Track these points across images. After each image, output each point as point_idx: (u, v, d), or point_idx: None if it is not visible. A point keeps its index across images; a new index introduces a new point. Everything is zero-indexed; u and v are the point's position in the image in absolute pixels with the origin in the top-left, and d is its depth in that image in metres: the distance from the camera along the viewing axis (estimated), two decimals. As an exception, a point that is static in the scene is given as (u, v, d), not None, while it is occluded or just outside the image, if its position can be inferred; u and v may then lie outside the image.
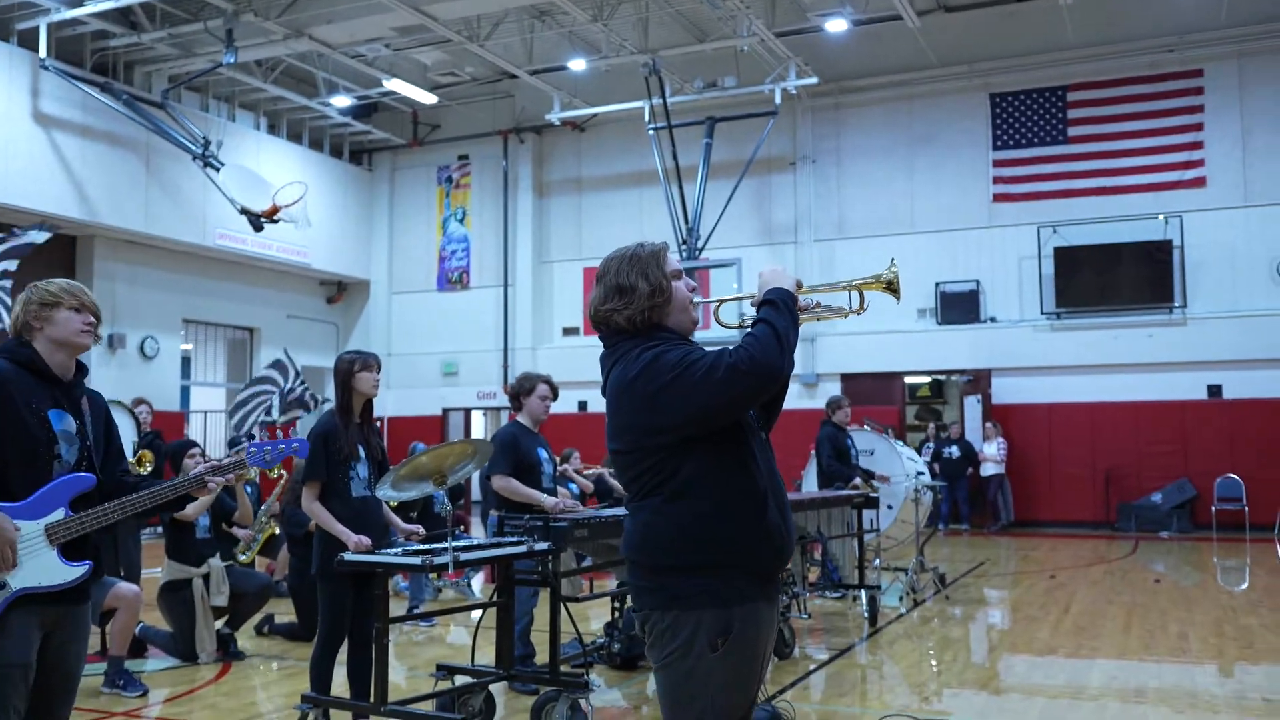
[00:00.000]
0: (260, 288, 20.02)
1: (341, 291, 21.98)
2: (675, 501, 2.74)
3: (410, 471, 4.62)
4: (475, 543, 5.14)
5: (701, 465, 2.74)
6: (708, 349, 2.80)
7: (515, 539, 5.14)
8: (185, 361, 19.72)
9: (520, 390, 6.52)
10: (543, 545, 5.12)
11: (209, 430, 19.64)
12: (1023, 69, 17.84)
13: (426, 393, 21.41)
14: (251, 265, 19.48)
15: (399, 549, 4.87)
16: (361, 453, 5.10)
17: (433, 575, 9.38)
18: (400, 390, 21.70)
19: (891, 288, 3.02)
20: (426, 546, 4.88)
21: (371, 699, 4.77)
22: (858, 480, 9.33)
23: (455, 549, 4.61)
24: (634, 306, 2.84)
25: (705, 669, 2.70)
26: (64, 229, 16.42)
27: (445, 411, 21.35)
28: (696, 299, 2.97)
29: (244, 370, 20.39)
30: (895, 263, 3.16)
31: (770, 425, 3.08)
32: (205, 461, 7.43)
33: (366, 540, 4.87)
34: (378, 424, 5.39)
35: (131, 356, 17.51)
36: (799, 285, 2.90)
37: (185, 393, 20.04)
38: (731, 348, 2.72)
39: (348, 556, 4.72)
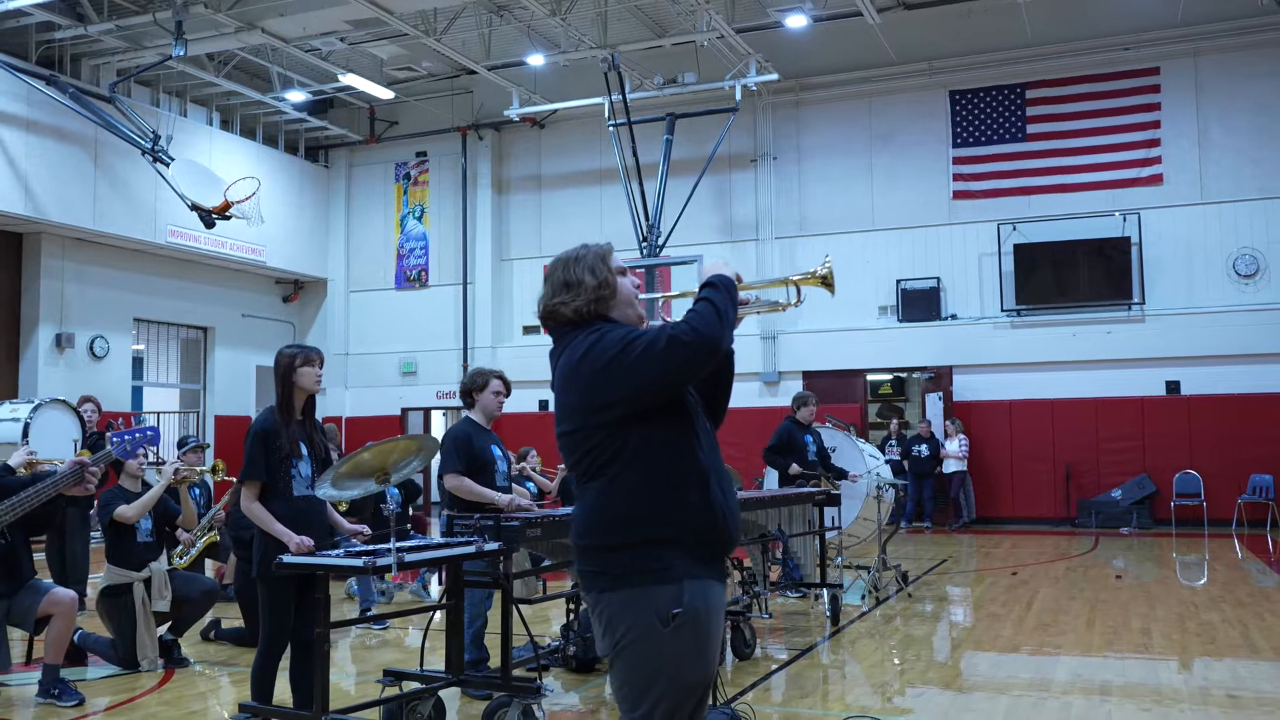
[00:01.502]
0: (214, 286, 19.65)
1: (298, 290, 21.64)
2: (619, 480, 2.76)
3: (352, 469, 4.43)
4: (421, 543, 4.95)
5: (645, 443, 2.76)
6: (649, 328, 2.85)
7: (464, 539, 4.95)
8: (137, 362, 19.31)
9: (472, 386, 6.34)
10: (492, 545, 4.94)
11: (163, 431, 19.23)
12: (982, 66, 17.85)
13: (385, 392, 21.13)
14: (205, 263, 19.11)
15: (341, 550, 4.67)
16: (304, 450, 4.90)
17: (381, 577, 9.14)
18: (358, 390, 21.42)
19: (826, 282, 3.16)
20: (370, 548, 4.69)
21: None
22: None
23: (400, 550, 4.43)
24: (581, 299, 2.91)
25: (659, 647, 2.69)
26: (8, 225, 16.06)
27: (404, 411, 21.09)
28: (641, 295, 3.04)
29: (198, 370, 20.04)
30: (829, 258, 3.30)
31: (717, 419, 3.10)
32: (149, 462, 7.20)
33: (308, 541, 4.68)
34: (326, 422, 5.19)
35: (80, 356, 17.12)
36: (738, 279, 2.98)
37: (137, 393, 19.63)
38: (673, 323, 2.78)
39: (286, 559, 4.52)
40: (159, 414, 19.95)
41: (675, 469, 2.76)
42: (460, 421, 6.43)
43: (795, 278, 3.18)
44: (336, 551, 4.61)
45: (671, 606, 2.69)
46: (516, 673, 5.47)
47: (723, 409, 3.13)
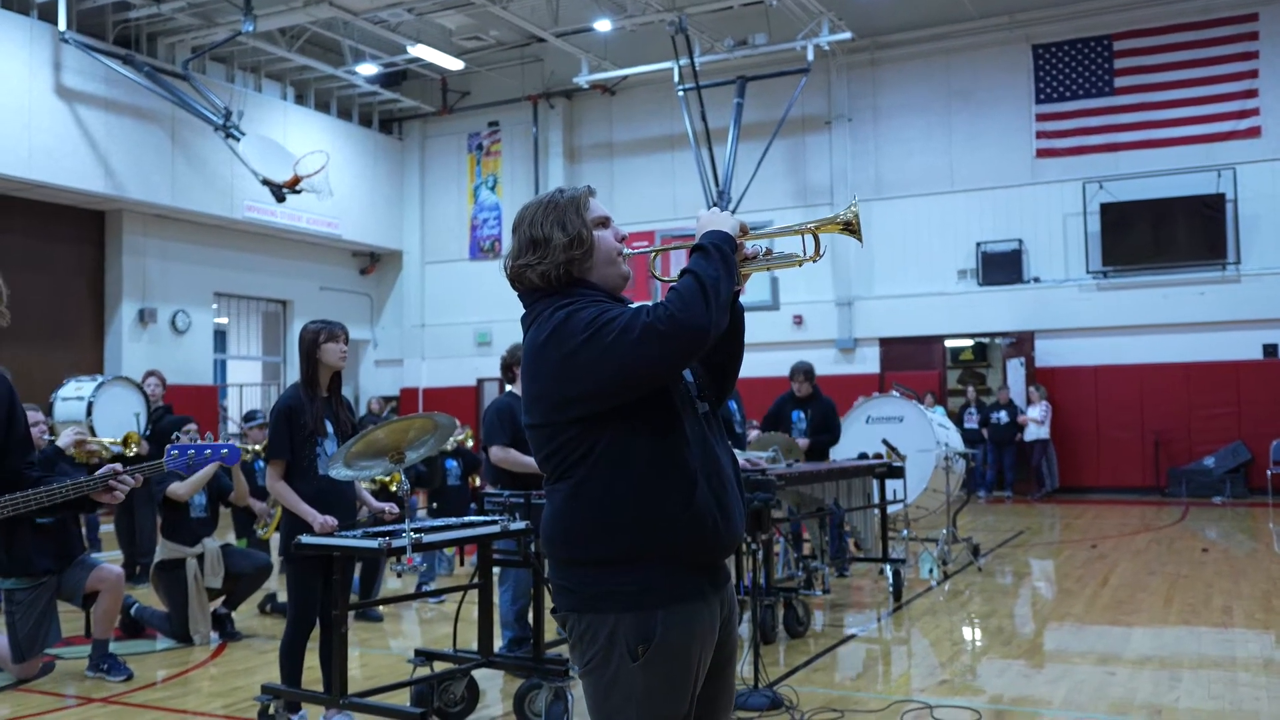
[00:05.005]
0: (293, 260, 19.89)
1: (374, 262, 21.82)
2: (589, 484, 2.40)
3: (365, 448, 4.33)
4: (442, 523, 4.85)
5: (619, 442, 2.39)
6: (630, 305, 2.44)
7: (488, 518, 4.84)
8: (219, 335, 19.68)
9: (513, 360, 6.22)
10: (519, 524, 4.82)
11: (245, 403, 19.62)
12: (1066, 18, 17.14)
13: (460, 363, 21.23)
14: (282, 237, 19.34)
15: (360, 531, 4.59)
16: (329, 428, 4.83)
17: (398, 559, 9.01)
18: (434, 361, 21.57)
19: (850, 228, 2.60)
20: (392, 528, 4.60)
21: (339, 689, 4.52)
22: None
23: (418, 530, 4.33)
24: (549, 260, 2.49)
25: (627, 680, 2.38)
26: (91, 204, 16.41)
27: (480, 382, 21.16)
28: (626, 250, 2.60)
29: (279, 343, 20.35)
30: (856, 200, 2.71)
31: (723, 396, 2.71)
32: (200, 438, 7.22)
33: (332, 521, 4.61)
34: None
35: (163, 331, 17.46)
36: (744, 230, 2.53)
37: (221, 366, 20.03)
38: (652, 303, 2.35)
39: (306, 539, 4.45)
40: (242, 386, 20.34)
41: (653, 473, 2.39)
42: (503, 395, 6.33)
43: (813, 224, 2.62)
44: (355, 532, 4.53)
45: (641, 639, 2.36)
46: (557, 652, 5.38)
47: (731, 382, 2.71)
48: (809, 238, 2.66)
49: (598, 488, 2.40)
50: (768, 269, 2.70)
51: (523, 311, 2.60)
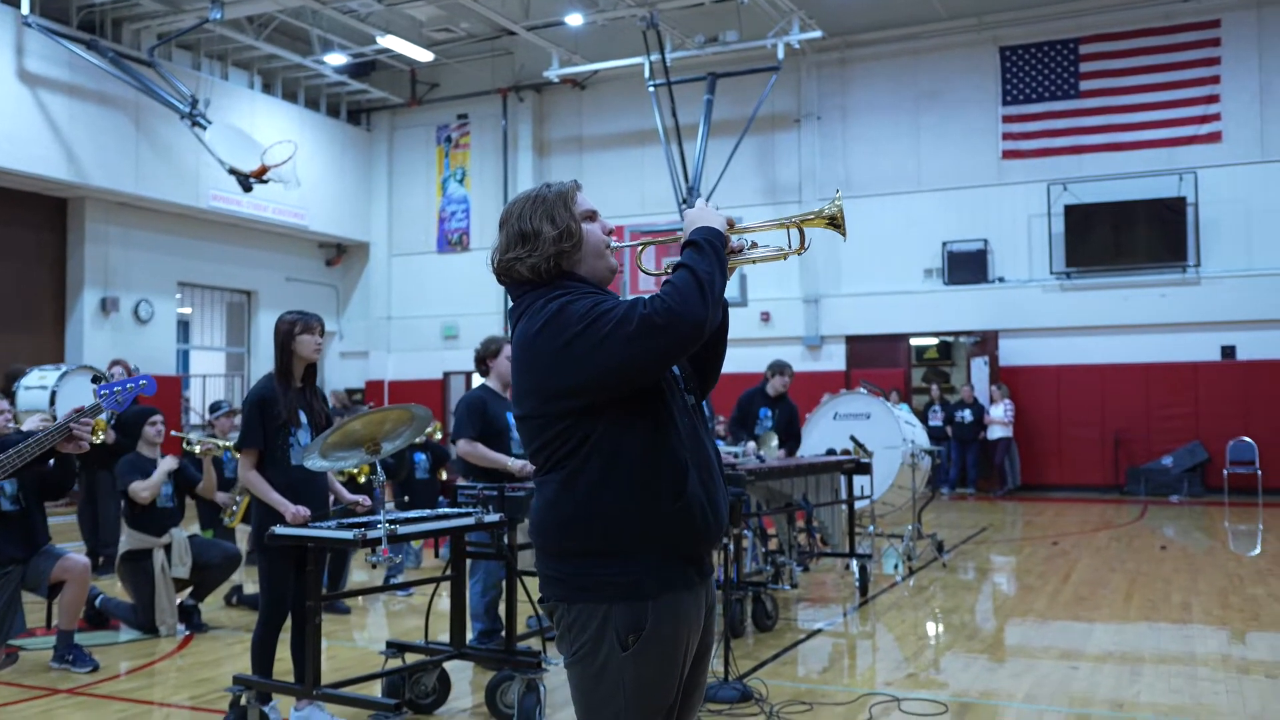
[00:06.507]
0: (258, 250, 19.71)
1: (341, 254, 21.67)
2: (580, 476, 2.42)
3: (341, 438, 4.32)
4: (416, 515, 4.85)
5: (611, 434, 2.41)
6: (624, 298, 2.47)
7: (462, 510, 4.85)
8: (183, 325, 19.48)
9: (486, 353, 6.23)
10: (493, 517, 4.83)
11: (208, 394, 19.44)
12: (1033, 21, 17.31)
13: (427, 356, 21.15)
14: (248, 227, 19.16)
15: (332, 522, 4.58)
16: (303, 419, 4.82)
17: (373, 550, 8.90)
18: (401, 354, 21.47)
19: (835, 223, 2.63)
20: (364, 519, 4.60)
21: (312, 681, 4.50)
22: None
23: (393, 522, 4.33)
24: (538, 254, 2.51)
25: (616, 669, 2.40)
26: (53, 190, 16.19)
27: (446, 375, 21.09)
28: (614, 243, 2.63)
29: (243, 334, 20.18)
30: (840, 195, 2.73)
31: (707, 389, 2.75)
32: (165, 429, 7.16)
33: (305, 511, 4.60)
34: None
35: (126, 320, 17.27)
36: (731, 224, 2.56)
37: (184, 357, 19.84)
38: (647, 296, 2.37)
39: (279, 529, 4.44)
40: (205, 377, 20.16)
41: (644, 465, 2.41)
42: (476, 388, 6.33)
43: (799, 218, 2.65)
44: (328, 523, 4.52)
45: (632, 628, 2.38)
46: (529, 644, 5.39)
47: (714, 376, 2.75)
48: (793, 231, 2.70)
49: (591, 479, 2.41)
50: (753, 263, 2.70)
51: (507, 306, 2.64)
